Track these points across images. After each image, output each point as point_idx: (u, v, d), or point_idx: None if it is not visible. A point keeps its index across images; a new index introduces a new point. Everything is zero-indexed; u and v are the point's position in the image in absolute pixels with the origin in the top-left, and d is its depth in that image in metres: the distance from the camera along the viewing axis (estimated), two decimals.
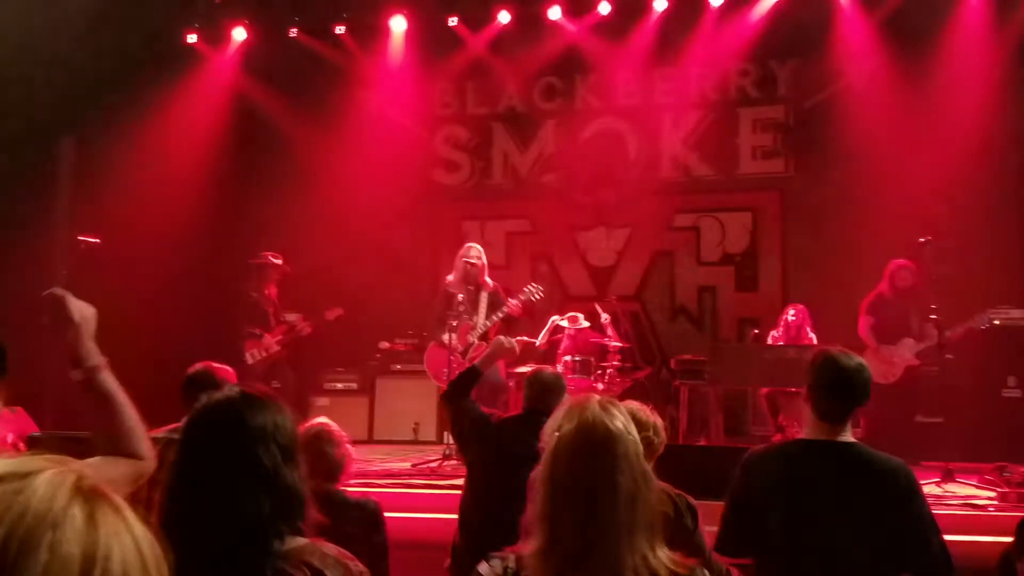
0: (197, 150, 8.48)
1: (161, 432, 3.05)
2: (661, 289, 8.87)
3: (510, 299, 6.44)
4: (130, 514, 0.86)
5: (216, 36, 8.95)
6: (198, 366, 3.46)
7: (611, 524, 1.56)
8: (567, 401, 1.79)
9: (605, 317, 7.51)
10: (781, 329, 7.43)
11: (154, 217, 7.92)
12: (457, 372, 6.11)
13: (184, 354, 7.03)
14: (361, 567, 1.62)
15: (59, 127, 7.76)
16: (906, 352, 6.50)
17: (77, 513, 0.82)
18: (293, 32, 8.75)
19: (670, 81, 8.90)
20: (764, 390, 7.21)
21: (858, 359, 2.51)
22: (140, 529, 0.86)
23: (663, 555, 1.58)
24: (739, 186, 8.78)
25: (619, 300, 8.01)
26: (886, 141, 8.13)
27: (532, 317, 7.24)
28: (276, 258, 7.36)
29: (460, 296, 6.32)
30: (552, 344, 7.48)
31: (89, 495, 0.84)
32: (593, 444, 1.59)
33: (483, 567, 1.65)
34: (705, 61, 8.68)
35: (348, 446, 3.11)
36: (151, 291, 7.70)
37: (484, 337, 6.33)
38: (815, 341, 7.28)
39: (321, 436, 3.00)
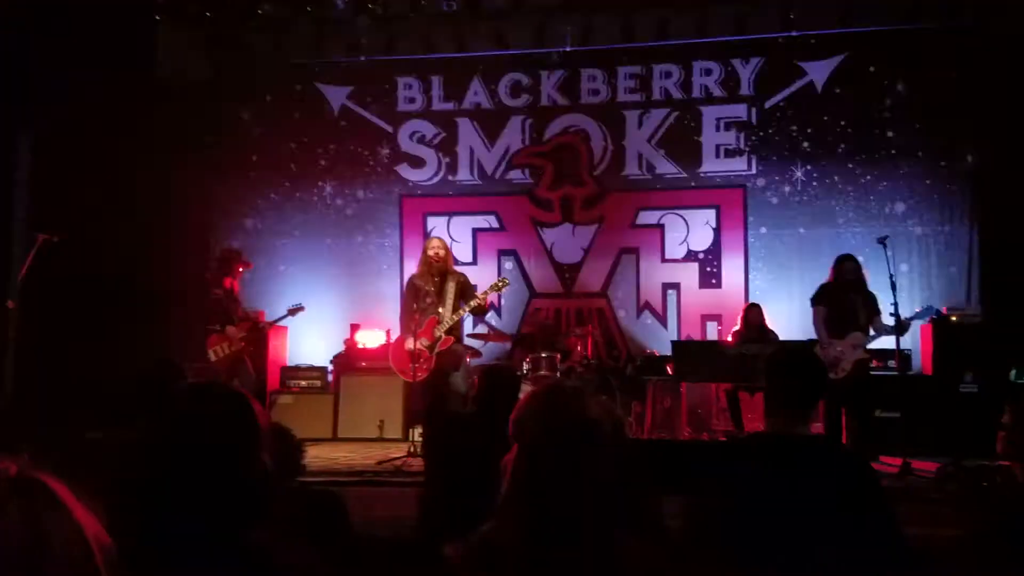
0: (156, 144, 8.34)
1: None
2: (626, 286, 8.92)
3: (477, 293, 6.47)
4: (73, 504, 0.86)
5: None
6: (155, 363, 3.41)
7: (590, 508, 1.56)
8: (539, 388, 1.79)
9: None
10: (742, 325, 7.52)
11: (114, 213, 7.81)
12: (424, 368, 6.16)
13: (146, 351, 7.00)
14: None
15: (16, 125, 7.62)
16: (854, 345, 6.42)
17: (14, 507, 0.82)
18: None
19: (635, 79, 8.95)
20: (725, 386, 7.28)
21: (813, 352, 2.55)
22: (84, 517, 0.86)
23: (635, 539, 1.60)
24: (703, 184, 8.85)
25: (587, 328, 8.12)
26: (846, 139, 8.29)
27: (498, 310, 7.30)
28: (239, 253, 7.28)
29: (428, 288, 6.33)
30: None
31: (27, 488, 0.83)
32: (571, 427, 1.60)
33: (450, 549, 1.65)
34: (669, 59, 8.78)
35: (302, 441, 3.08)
36: (111, 288, 7.58)
37: (451, 331, 6.33)
38: (777, 337, 7.39)
39: (277, 432, 2.97)
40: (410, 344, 6.17)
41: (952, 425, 6.56)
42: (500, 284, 6.77)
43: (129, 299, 7.78)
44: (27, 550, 0.80)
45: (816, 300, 6.67)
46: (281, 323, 7.49)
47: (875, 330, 6.46)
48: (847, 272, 6.57)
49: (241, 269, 7.11)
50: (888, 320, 6.28)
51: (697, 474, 2.50)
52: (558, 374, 7.40)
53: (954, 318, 7.38)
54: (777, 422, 2.50)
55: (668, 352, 7.68)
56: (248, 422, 1.60)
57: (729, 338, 7.68)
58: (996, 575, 2.17)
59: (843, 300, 6.53)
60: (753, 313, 7.50)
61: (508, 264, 9.07)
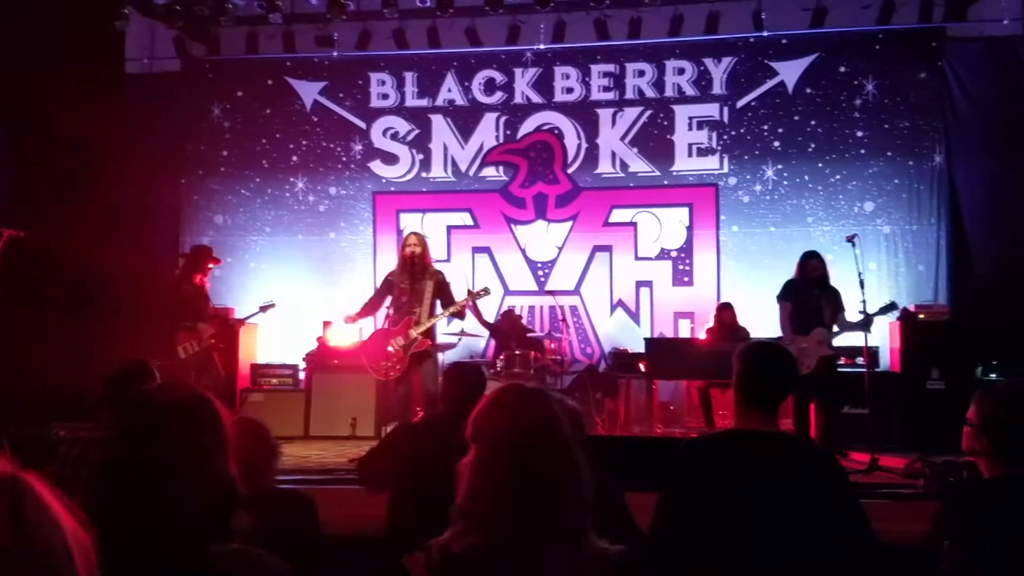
0: (125, 139, 8.23)
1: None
2: (600, 283, 8.94)
3: (455, 296, 6.25)
4: (56, 505, 0.86)
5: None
6: (124, 363, 3.37)
7: (555, 510, 1.55)
8: (497, 389, 1.77)
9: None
10: (715, 323, 7.57)
11: (83, 209, 7.70)
12: (396, 368, 6.03)
13: (115, 347, 6.90)
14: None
15: None
16: (819, 342, 6.39)
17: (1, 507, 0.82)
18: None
19: (609, 77, 8.98)
20: (698, 383, 7.33)
21: (783, 348, 2.57)
22: (66, 520, 0.86)
23: (598, 540, 1.59)
24: (675, 182, 8.89)
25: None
26: (816, 139, 8.38)
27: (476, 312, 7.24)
28: (209, 250, 7.21)
29: (403, 286, 6.15)
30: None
31: (11, 489, 0.84)
32: (531, 430, 1.59)
33: (409, 560, 1.63)
34: (642, 58, 8.82)
35: (276, 441, 3.05)
36: (79, 283, 7.48)
37: (427, 333, 6.11)
38: (748, 335, 7.45)
39: (249, 431, 2.94)
40: (392, 347, 6.03)
41: (919, 421, 6.67)
42: (481, 293, 6.53)
43: (97, 295, 7.67)
44: (10, 548, 0.80)
45: (782, 297, 6.69)
46: (252, 320, 7.44)
47: (839, 327, 6.48)
48: (812, 269, 6.60)
49: (211, 266, 7.03)
50: (855, 317, 6.35)
51: (668, 471, 2.51)
52: (532, 372, 7.41)
53: (922, 316, 7.49)
54: (747, 419, 2.51)
55: (641, 349, 7.71)
56: (210, 423, 1.57)
57: (703, 335, 7.74)
58: (960, 570, 2.19)
59: (808, 297, 6.54)
60: (727, 313, 7.56)
61: (482, 261, 9.07)
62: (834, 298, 6.57)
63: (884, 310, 6.48)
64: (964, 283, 7.98)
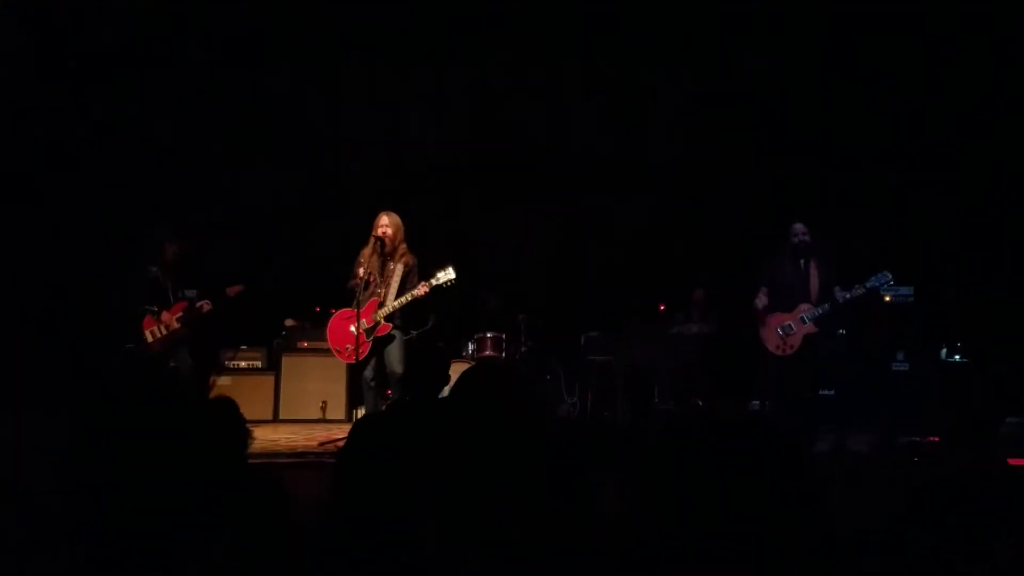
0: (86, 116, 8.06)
1: None
2: (572, 268, 8.94)
3: (421, 283, 5.99)
4: None
5: None
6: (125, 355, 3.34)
7: (515, 489, 1.55)
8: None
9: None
10: (691, 308, 7.63)
11: (49, 190, 7.55)
12: (360, 348, 5.93)
13: (82, 331, 6.79)
14: None
15: None
16: (803, 319, 5.95)
17: None
18: None
19: (579, 60, 8.94)
20: (668, 366, 7.36)
21: (743, 333, 2.59)
22: None
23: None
24: (647, 169, 8.89)
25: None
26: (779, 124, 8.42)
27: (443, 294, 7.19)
28: (174, 232, 7.06)
29: (369, 268, 6.04)
30: None
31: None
32: (504, 403, 1.59)
33: None
34: (617, 43, 8.79)
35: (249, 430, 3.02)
36: (42, 267, 7.34)
37: (391, 317, 6.02)
38: (719, 319, 7.51)
39: (221, 409, 2.92)
40: (356, 329, 5.93)
41: (884, 403, 6.76)
42: (445, 278, 6.00)
43: (62, 279, 7.53)
44: None
45: (762, 272, 6.24)
46: (219, 302, 7.25)
47: (828, 302, 5.98)
48: (798, 236, 6.09)
49: (177, 248, 6.90)
50: (841, 293, 5.96)
51: (635, 454, 2.52)
52: (503, 355, 7.41)
53: (887, 298, 7.58)
54: (714, 402, 2.54)
55: (611, 332, 7.74)
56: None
57: (676, 320, 7.77)
58: (923, 550, 2.23)
59: (793, 270, 6.07)
60: (697, 294, 7.61)
61: (455, 247, 8.99)
62: (822, 271, 6.07)
63: (878, 281, 5.92)
64: (929, 266, 8.08)
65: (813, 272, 6.05)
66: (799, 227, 6.11)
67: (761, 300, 6.12)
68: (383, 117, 9.08)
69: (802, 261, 6.05)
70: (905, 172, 8.08)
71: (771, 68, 8.37)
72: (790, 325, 5.98)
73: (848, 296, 5.92)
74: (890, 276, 5.94)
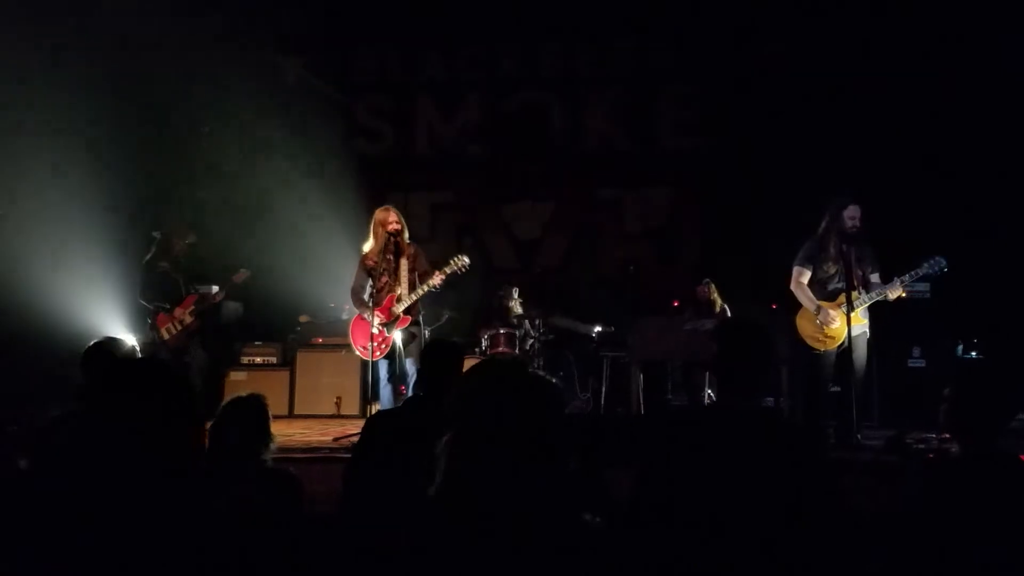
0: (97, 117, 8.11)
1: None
2: (584, 262, 8.95)
3: (436, 272, 5.97)
4: None
5: None
6: (98, 340, 3.39)
7: (530, 488, 1.56)
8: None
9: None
10: (700, 302, 7.61)
11: (56, 187, 7.60)
12: (381, 348, 5.97)
13: (95, 330, 6.85)
14: None
15: None
16: (851, 307, 5.23)
17: None
18: None
19: (593, 54, 8.94)
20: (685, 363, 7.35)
21: (758, 326, 2.57)
22: None
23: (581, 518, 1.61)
24: (660, 161, 8.89)
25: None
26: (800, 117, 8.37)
27: (457, 289, 7.20)
28: (188, 227, 7.10)
29: (382, 267, 6.05)
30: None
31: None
32: (519, 397, 1.59)
33: None
34: (626, 36, 8.78)
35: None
36: (56, 265, 7.40)
37: (409, 310, 6.04)
38: (726, 313, 7.49)
39: (254, 408, 2.95)
40: (376, 327, 5.94)
41: (900, 399, 6.72)
42: (459, 264, 5.98)
43: (77, 276, 7.59)
44: None
45: (802, 259, 5.49)
46: (230, 292, 7.17)
47: (876, 289, 5.30)
48: (850, 220, 5.26)
49: (189, 245, 6.93)
50: (898, 280, 5.31)
51: (648, 447, 2.52)
52: (516, 351, 7.42)
53: (903, 294, 7.52)
54: (727, 395, 2.54)
55: (625, 328, 7.73)
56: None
57: (687, 314, 7.75)
58: (932, 544, 2.23)
59: (839, 256, 5.31)
60: (707, 289, 7.59)
61: (468, 240, 9.04)
62: (867, 256, 5.40)
63: (933, 266, 5.21)
64: None
65: (858, 259, 5.35)
66: (856, 210, 5.28)
67: (805, 291, 5.44)
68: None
69: (844, 246, 5.27)
70: (919, 166, 8.02)
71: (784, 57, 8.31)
72: (833, 316, 5.36)
73: (905, 282, 5.25)
74: (944, 261, 5.20)
